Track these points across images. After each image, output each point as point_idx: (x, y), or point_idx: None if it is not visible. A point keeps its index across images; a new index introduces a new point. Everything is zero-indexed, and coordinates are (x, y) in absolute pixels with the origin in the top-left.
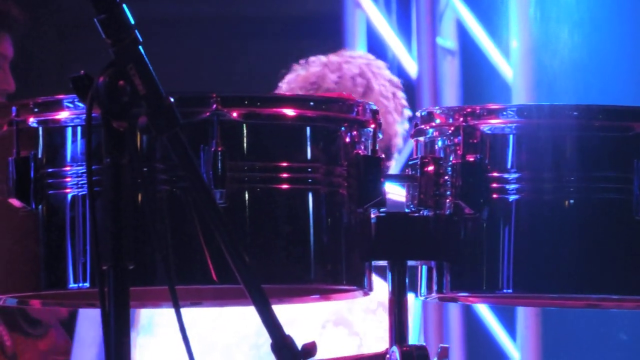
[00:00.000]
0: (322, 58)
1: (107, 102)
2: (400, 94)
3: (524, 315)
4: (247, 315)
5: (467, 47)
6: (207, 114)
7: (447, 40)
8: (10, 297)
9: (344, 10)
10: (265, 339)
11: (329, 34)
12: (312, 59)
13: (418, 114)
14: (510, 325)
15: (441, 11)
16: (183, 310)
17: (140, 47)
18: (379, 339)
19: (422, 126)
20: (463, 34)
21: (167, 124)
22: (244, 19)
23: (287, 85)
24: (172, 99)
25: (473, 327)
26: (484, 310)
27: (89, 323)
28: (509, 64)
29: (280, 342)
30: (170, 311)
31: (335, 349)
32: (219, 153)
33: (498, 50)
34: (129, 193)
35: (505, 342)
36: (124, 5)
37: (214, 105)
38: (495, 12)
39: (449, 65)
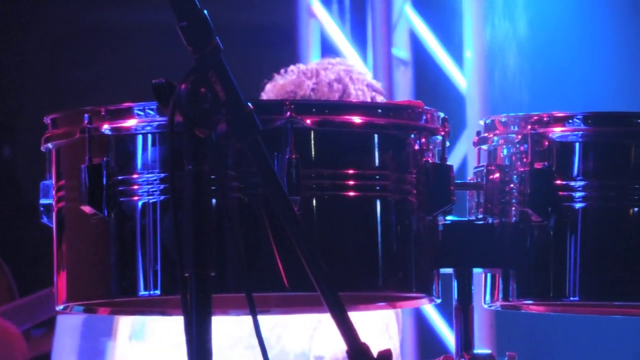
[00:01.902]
0: (301, 66)
1: (189, 109)
2: (380, 98)
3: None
4: (241, 317)
5: (421, 57)
6: (282, 121)
7: (401, 50)
8: (79, 304)
9: (298, 20)
10: None
11: (283, 43)
12: (291, 67)
13: (481, 122)
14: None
15: (395, 21)
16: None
17: (221, 54)
18: (379, 332)
19: (486, 134)
20: (416, 44)
21: (247, 130)
22: (172, 28)
23: (266, 94)
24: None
25: (425, 332)
26: (433, 315)
27: (68, 331)
28: (462, 74)
29: (356, 349)
30: (162, 318)
31: (331, 342)
32: (293, 160)
33: (452, 60)
34: (210, 200)
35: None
36: (205, 12)
37: (288, 113)
38: (449, 22)
39: (402, 75)
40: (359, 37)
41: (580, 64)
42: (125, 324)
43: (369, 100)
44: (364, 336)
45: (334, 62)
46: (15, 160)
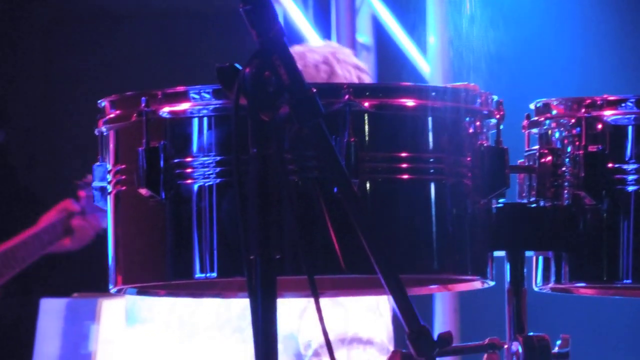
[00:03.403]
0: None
1: (254, 92)
2: (367, 78)
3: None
4: (228, 300)
5: (384, 43)
6: (340, 104)
7: (364, 36)
8: (134, 287)
9: None
10: (249, 323)
11: (245, 29)
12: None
13: (532, 105)
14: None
15: (358, 7)
16: (175, 299)
17: (284, 37)
18: (370, 309)
19: (537, 118)
20: (380, 30)
21: (309, 114)
22: (166, 14)
23: None
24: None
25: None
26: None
27: (51, 316)
28: (425, 59)
29: (417, 331)
30: (154, 300)
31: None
32: (352, 144)
33: (415, 46)
34: (273, 183)
35: None
36: None
37: (347, 96)
38: (412, 7)
39: (365, 61)
40: (322, 23)
41: (546, 49)
42: (110, 307)
43: (355, 80)
44: (355, 314)
45: (320, 45)
46: (8, 145)
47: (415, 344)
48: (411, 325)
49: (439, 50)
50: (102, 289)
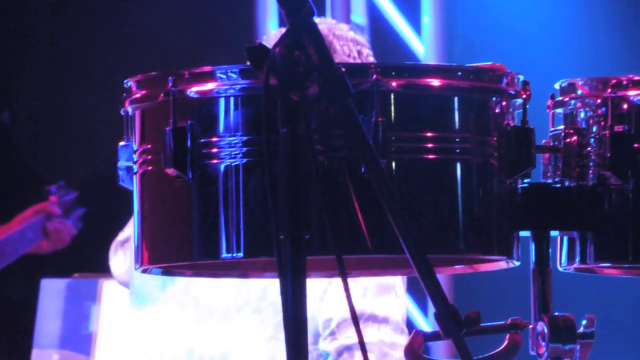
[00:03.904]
0: (283, 29)
1: (284, 72)
2: (366, 51)
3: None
4: (247, 280)
5: (378, 23)
6: (368, 84)
7: (357, 16)
8: (160, 267)
9: None
10: (269, 304)
11: (240, 11)
12: (273, 32)
13: (557, 85)
14: (422, 305)
15: None
16: (190, 278)
17: (313, 17)
18: (384, 289)
19: (562, 98)
20: (374, 10)
21: (339, 93)
22: None
23: None
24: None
25: None
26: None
27: (51, 296)
28: (420, 40)
29: (445, 312)
30: (166, 279)
31: (341, 304)
32: (380, 123)
33: (409, 27)
34: (303, 163)
35: (418, 319)
36: None
37: (374, 76)
38: None
39: None
40: (317, 3)
41: (541, 30)
42: (111, 288)
43: (355, 54)
44: (372, 293)
45: (317, 21)
46: (14, 125)
47: (443, 324)
48: (439, 306)
49: (433, 31)
50: (103, 270)
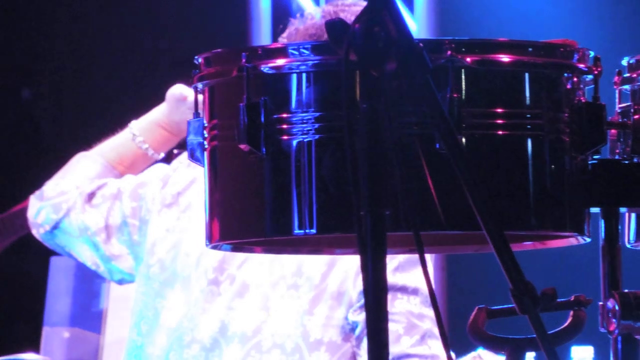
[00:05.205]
0: (318, 9)
1: (364, 48)
2: None
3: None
4: (283, 256)
5: None
6: (442, 60)
7: None
8: (231, 243)
9: None
10: (305, 279)
11: (235, 13)
12: (307, 12)
13: (624, 62)
14: None
15: None
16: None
17: None
18: (416, 261)
19: (629, 74)
20: None
21: (418, 69)
22: None
23: (287, 39)
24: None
25: None
26: None
27: (61, 273)
28: (413, 18)
29: (521, 288)
30: (194, 256)
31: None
32: (455, 99)
33: (402, 4)
34: (383, 139)
35: None
36: None
37: (449, 52)
38: None
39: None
40: None
41: (539, 10)
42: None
43: None
44: (404, 266)
45: (350, 3)
46: (35, 102)
47: (518, 301)
48: (515, 282)
49: (426, 9)
50: None
